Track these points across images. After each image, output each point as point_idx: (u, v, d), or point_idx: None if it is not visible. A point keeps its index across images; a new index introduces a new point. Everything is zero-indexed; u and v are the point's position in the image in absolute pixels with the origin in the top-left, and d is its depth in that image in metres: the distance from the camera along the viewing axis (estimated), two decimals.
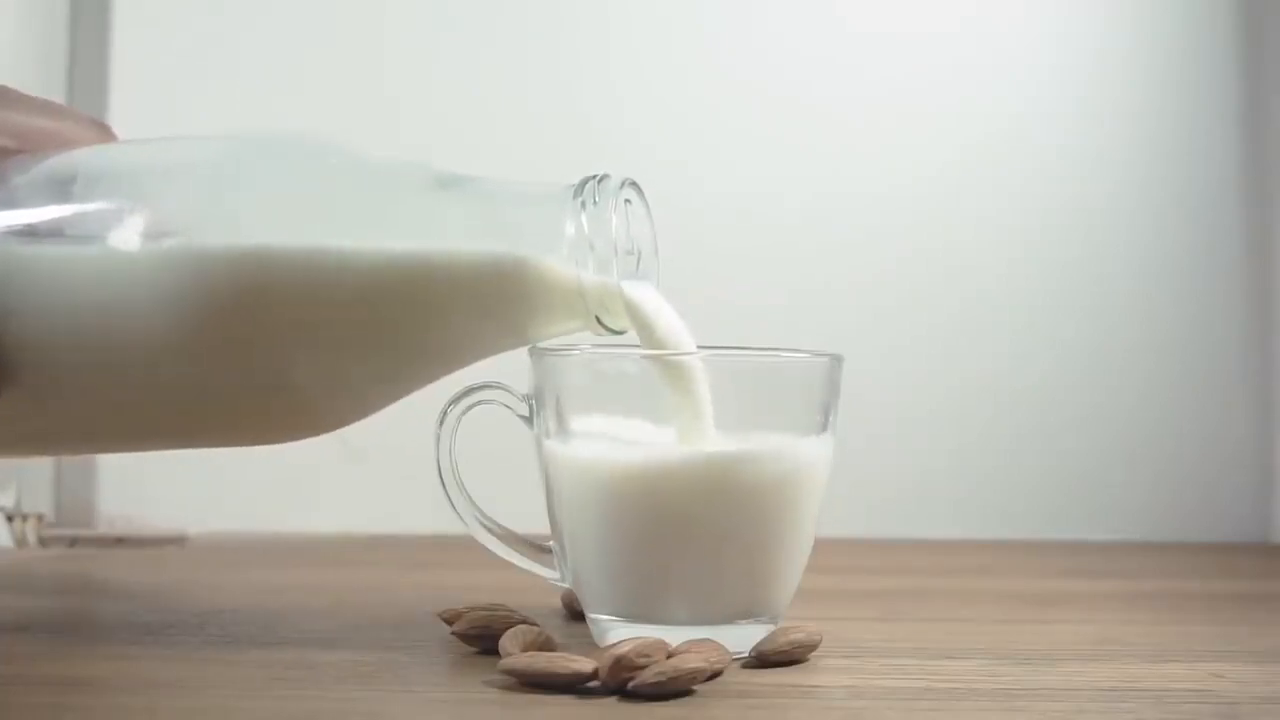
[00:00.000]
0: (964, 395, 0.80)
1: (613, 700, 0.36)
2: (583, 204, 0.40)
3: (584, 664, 0.37)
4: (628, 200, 0.41)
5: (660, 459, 0.40)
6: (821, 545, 0.44)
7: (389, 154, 0.40)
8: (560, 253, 0.39)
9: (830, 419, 0.43)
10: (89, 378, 0.37)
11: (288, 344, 0.37)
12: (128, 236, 0.36)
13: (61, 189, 0.37)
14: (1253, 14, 0.81)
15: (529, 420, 0.44)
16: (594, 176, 0.40)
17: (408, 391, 0.41)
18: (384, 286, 0.37)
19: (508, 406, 0.44)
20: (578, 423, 0.42)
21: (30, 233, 0.36)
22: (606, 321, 0.40)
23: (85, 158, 0.38)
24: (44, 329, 0.36)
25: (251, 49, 0.78)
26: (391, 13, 0.79)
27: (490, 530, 0.45)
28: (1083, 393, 0.80)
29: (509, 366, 0.44)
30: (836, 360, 0.43)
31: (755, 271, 0.79)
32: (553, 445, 0.42)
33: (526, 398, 0.44)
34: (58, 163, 0.38)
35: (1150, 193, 0.81)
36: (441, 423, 0.44)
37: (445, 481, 0.44)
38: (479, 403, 0.44)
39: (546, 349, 0.43)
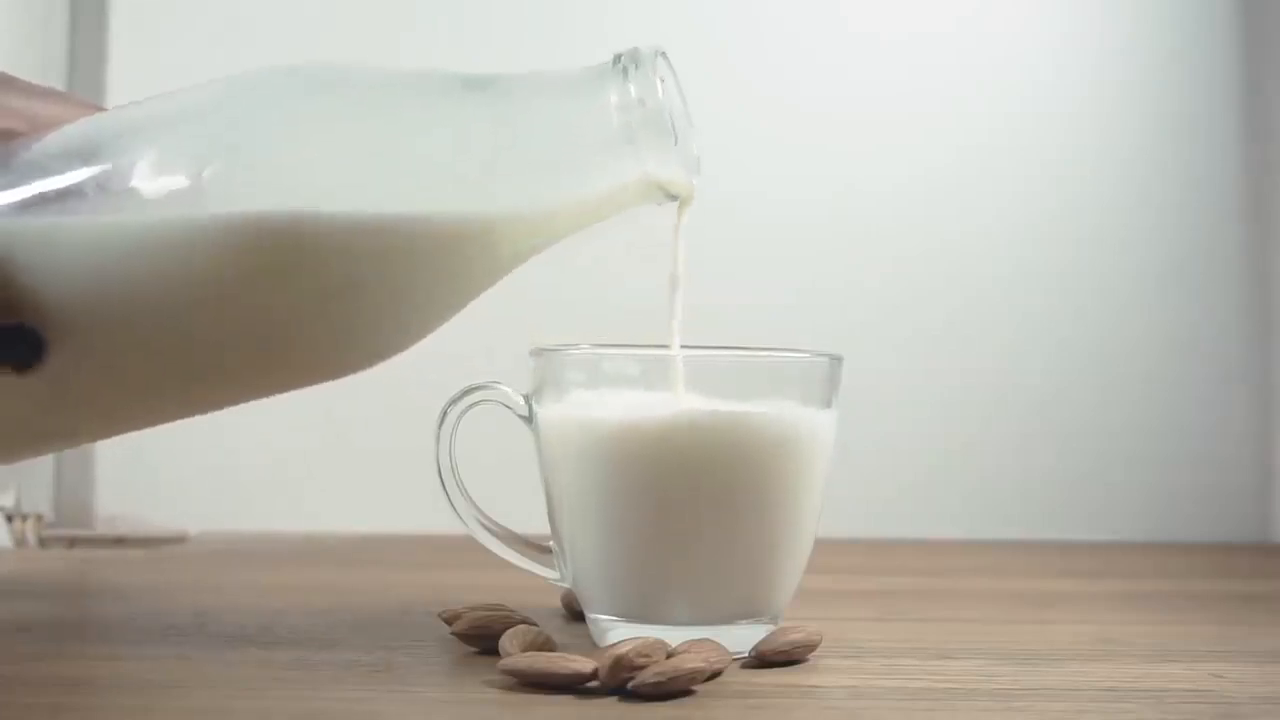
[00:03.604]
0: (964, 395, 0.80)
1: (613, 700, 0.36)
2: (624, 70, 0.39)
3: (584, 664, 0.37)
4: (661, 78, 0.40)
5: (660, 417, 0.40)
6: (821, 545, 0.44)
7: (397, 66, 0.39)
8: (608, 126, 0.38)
9: (833, 402, 0.43)
10: (123, 338, 0.36)
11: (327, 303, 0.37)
12: (147, 199, 0.35)
13: (79, 156, 0.37)
14: (1253, 13, 0.81)
15: (529, 420, 0.44)
16: (620, 53, 0.39)
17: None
18: (419, 250, 0.37)
19: (507, 406, 0.44)
20: (578, 398, 0.42)
21: (55, 199, 0.36)
22: (661, 178, 0.39)
23: (95, 125, 0.38)
24: (78, 295, 0.35)
25: (251, 49, 0.78)
26: (392, 17, 0.79)
27: (490, 530, 0.45)
28: (1082, 393, 0.80)
29: (510, 367, 0.45)
30: (836, 360, 0.43)
31: (755, 271, 0.79)
32: (551, 417, 0.42)
33: (526, 397, 0.44)
34: (70, 131, 0.38)
35: (1150, 193, 0.81)
36: (441, 423, 0.44)
37: (445, 481, 0.44)
38: (479, 402, 0.44)
39: (547, 348, 0.43)
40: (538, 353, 0.43)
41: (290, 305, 0.37)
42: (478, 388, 0.44)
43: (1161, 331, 0.80)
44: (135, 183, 0.36)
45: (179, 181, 0.36)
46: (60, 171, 0.36)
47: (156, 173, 0.36)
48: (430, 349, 0.79)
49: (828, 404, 0.42)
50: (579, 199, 0.39)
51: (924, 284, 0.80)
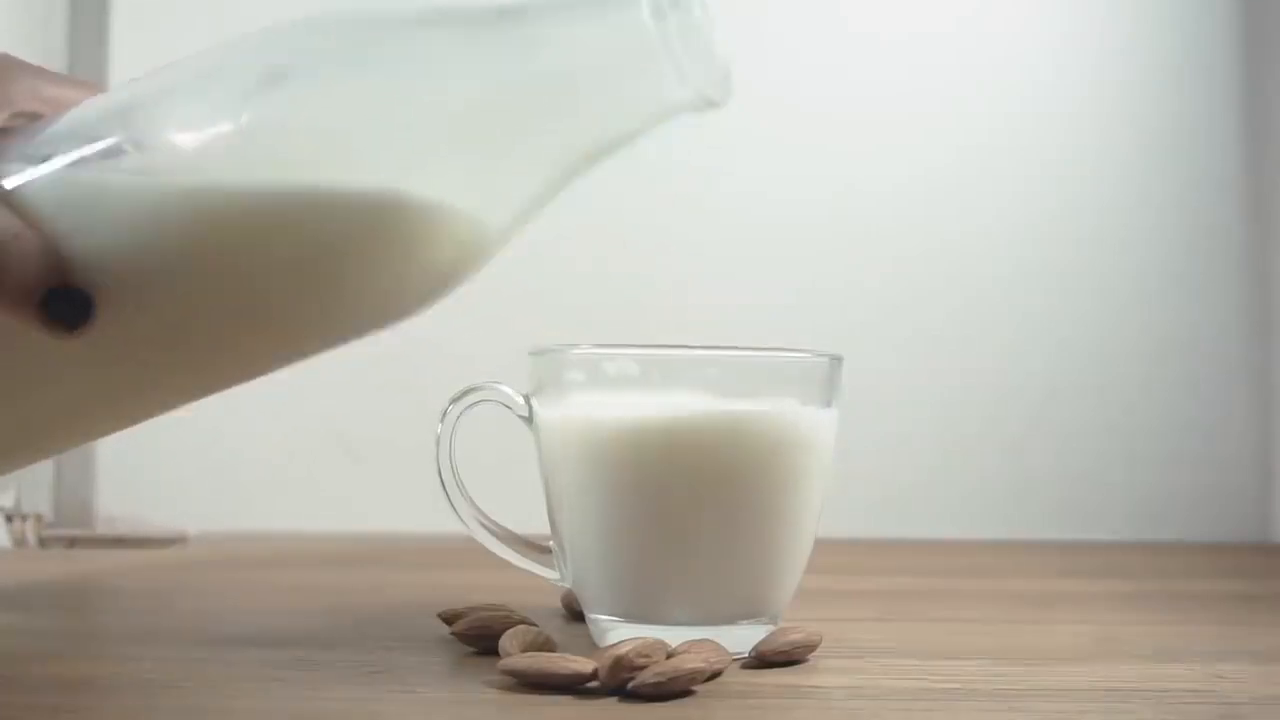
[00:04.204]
0: (964, 395, 0.80)
1: (612, 700, 0.36)
2: None
3: (584, 664, 0.37)
4: None
5: (660, 417, 0.40)
6: (821, 545, 0.44)
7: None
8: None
9: (833, 402, 0.43)
10: (166, 298, 0.36)
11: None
12: (189, 158, 0.35)
13: (114, 119, 0.37)
14: (1253, 14, 0.81)
15: (529, 420, 0.44)
16: None
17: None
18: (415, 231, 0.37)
19: (507, 406, 0.44)
20: (578, 398, 0.42)
21: (96, 160, 0.36)
22: (701, 82, 0.39)
23: (124, 92, 0.38)
24: (124, 255, 0.35)
25: None
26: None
27: (490, 530, 0.45)
28: (1082, 393, 0.80)
29: (510, 367, 0.45)
30: (836, 360, 0.43)
31: (755, 271, 0.79)
32: (552, 417, 0.42)
33: (526, 397, 0.44)
34: (95, 102, 0.38)
35: (1150, 193, 0.81)
36: (441, 422, 0.44)
37: (445, 481, 0.44)
38: (479, 402, 0.44)
39: (547, 348, 0.43)
40: (538, 353, 0.43)
41: (336, 266, 0.36)
42: (478, 388, 0.44)
43: (1161, 331, 0.80)
44: (175, 142, 0.36)
45: (219, 142, 0.36)
46: (97, 135, 0.36)
47: (196, 133, 0.36)
48: (430, 349, 0.80)
49: (828, 404, 0.42)
50: (619, 113, 0.39)
51: (924, 284, 0.80)
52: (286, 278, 0.36)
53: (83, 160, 0.36)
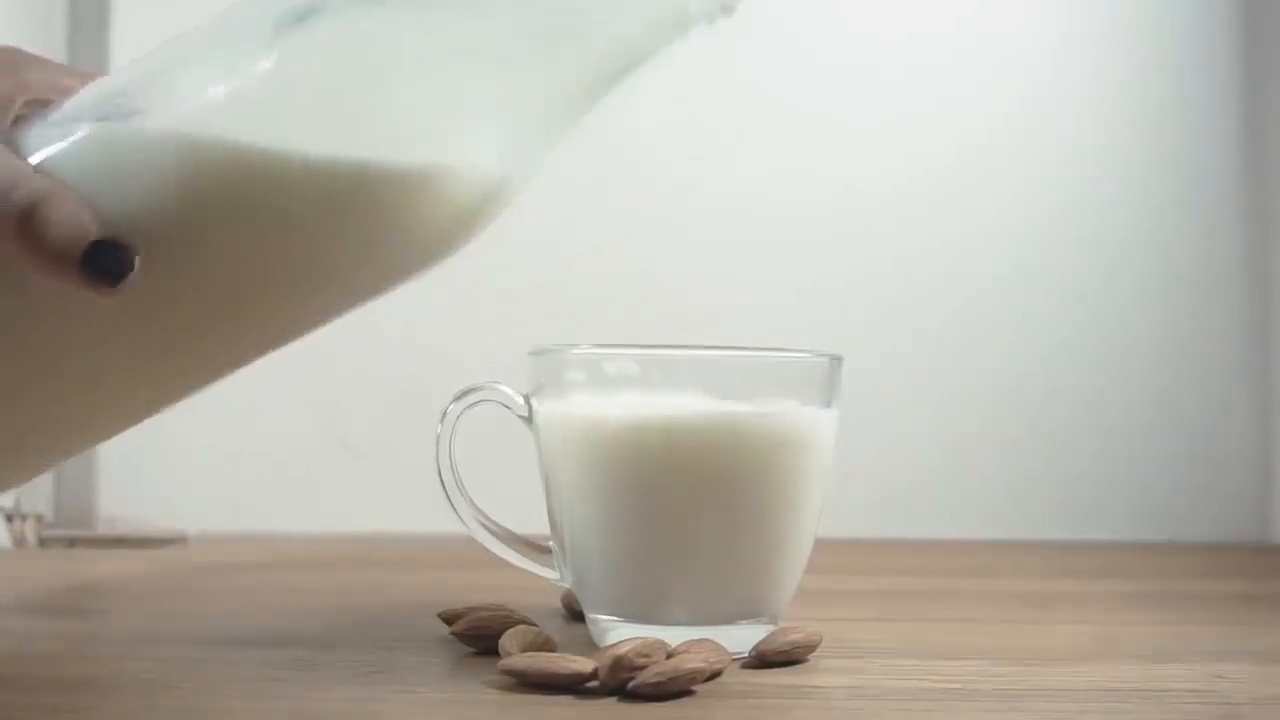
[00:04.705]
0: (964, 395, 0.80)
1: (612, 700, 0.36)
2: None
3: (583, 664, 0.37)
4: None
5: (660, 416, 0.40)
6: (821, 545, 0.44)
7: None
8: None
9: (833, 402, 0.43)
10: (202, 252, 0.36)
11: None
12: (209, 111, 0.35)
13: (109, 96, 0.37)
14: (1253, 14, 0.81)
15: (529, 420, 0.44)
16: None
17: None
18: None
19: (507, 406, 0.44)
20: (578, 399, 0.42)
21: (122, 117, 0.36)
22: None
23: (118, 74, 0.38)
24: (159, 207, 0.35)
25: None
26: None
27: (490, 530, 0.45)
28: (1082, 393, 0.80)
29: (510, 367, 0.45)
30: (836, 360, 0.43)
31: (756, 271, 0.79)
32: (552, 417, 0.42)
33: (526, 397, 0.44)
34: (98, 83, 0.38)
35: (1150, 193, 0.81)
36: (441, 422, 0.44)
37: (445, 481, 0.44)
38: (479, 401, 0.44)
39: (547, 348, 0.43)
40: (538, 353, 0.43)
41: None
42: (478, 388, 0.44)
43: (1161, 331, 0.80)
44: (183, 97, 0.36)
45: (233, 96, 0.36)
46: (108, 104, 0.36)
47: (205, 88, 0.36)
48: (430, 349, 0.79)
49: (828, 404, 0.42)
50: (634, 23, 0.39)
51: (924, 284, 0.80)
52: (315, 231, 0.36)
53: (97, 127, 0.36)
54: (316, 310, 0.38)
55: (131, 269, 0.34)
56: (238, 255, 0.36)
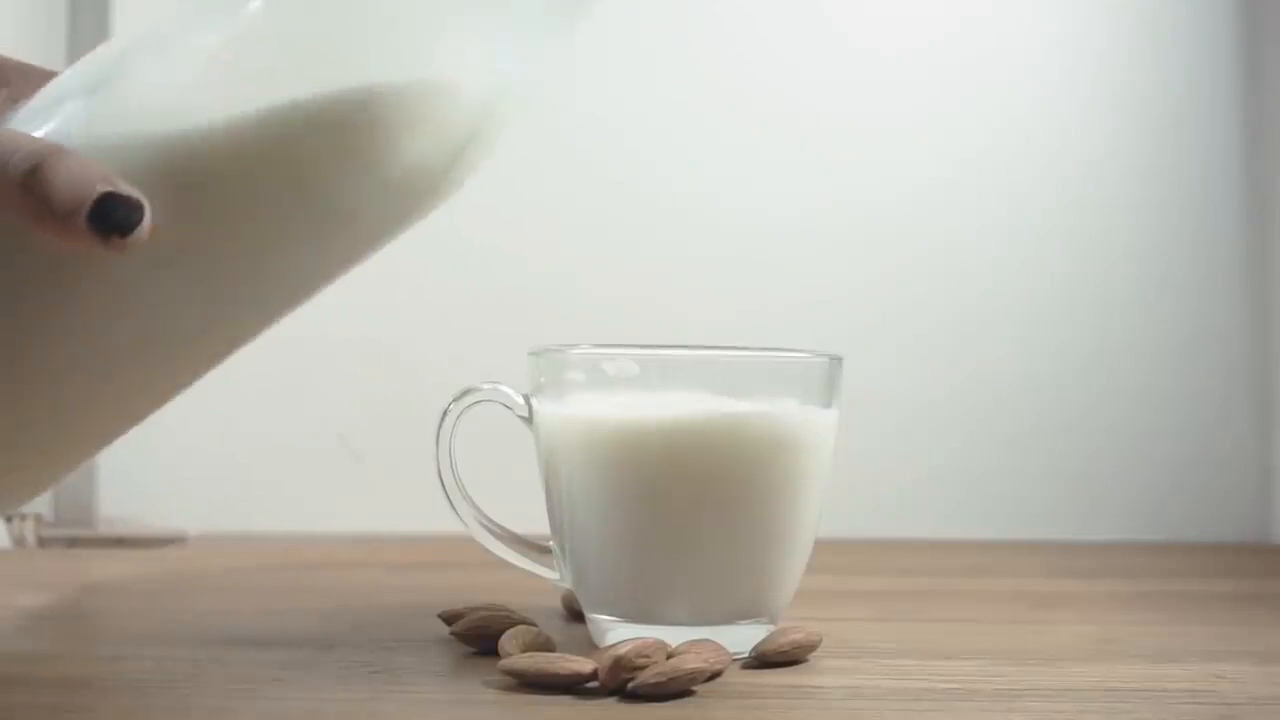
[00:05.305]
0: (964, 396, 0.80)
1: (612, 701, 0.36)
2: None
3: (583, 664, 0.37)
4: None
5: (660, 417, 0.40)
6: (821, 545, 0.44)
7: None
8: None
9: (833, 402, 0.43)
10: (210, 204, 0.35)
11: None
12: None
13: (71, 85, 0.37)
14: (1254, 15, 0.81)
15: (529, 420, 0.44)
16: None
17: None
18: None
19: (507, 406, 0.44)
20: (578, 399, 0.42)
21: (119, 80, 0.36)
22: None
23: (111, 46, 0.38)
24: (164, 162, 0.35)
25: None
26: None
27: (490, 530, 0.45)
28: (1082, 393, 0.80)
29: (510, 367, 0.45)
30: (836, 361, 0.43)
31: (757, 273, 0.79)
32: (552, 417, 0.42)
33: (526, 397, 0.44)
34: (62, 75, 0.38)
35: (1149, 194, 0.81)
36: (441, 423, 0.44)
37: (445, 481, 0.44)
38: (479, 402, 0.44)
39: (547, 348, 0.43)
40: (538, 353, 0.43)
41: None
42: (478, 388, 0.44)
43: (1161, 331, 0.80)
44: (142, 80, 0.36)
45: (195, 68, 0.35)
46: (70, 92, 0.36)
47: (165, 64, 0.36)
48: (430, 349, 0.79)
49: (828, 404, 0.42)
50: None
51: (924, 284, 0.80)
52: (327, 171, 0.35)
53: (92, 99, 0.35)
54: (334, 259, 0.38)
55: (142, 219, 0.33)
56: (252, 209, 0.35)
